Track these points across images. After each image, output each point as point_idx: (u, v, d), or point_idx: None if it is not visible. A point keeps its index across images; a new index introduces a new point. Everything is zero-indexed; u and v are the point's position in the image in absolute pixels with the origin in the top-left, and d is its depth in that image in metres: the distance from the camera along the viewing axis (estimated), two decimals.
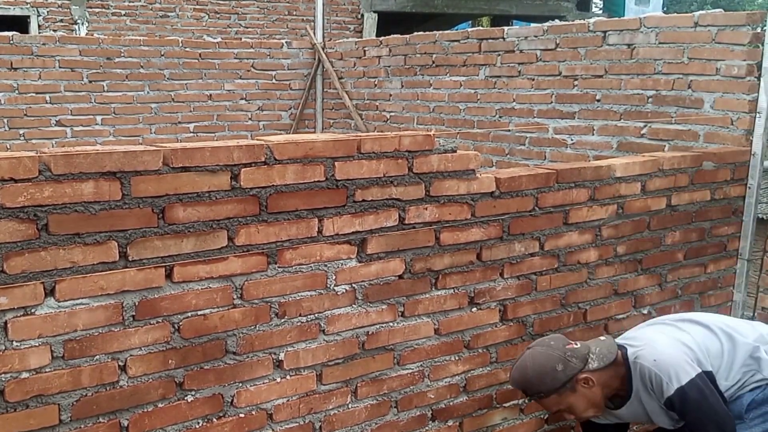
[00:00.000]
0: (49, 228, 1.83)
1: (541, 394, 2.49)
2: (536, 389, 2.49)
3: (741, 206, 3.56)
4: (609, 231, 3.05)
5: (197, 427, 2.15)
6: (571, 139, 4.57)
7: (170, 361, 2.07)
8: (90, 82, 6.04)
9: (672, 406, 2.43)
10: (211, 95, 6.54)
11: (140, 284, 1.98)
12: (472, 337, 2.73)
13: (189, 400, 2.12)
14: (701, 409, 2.40)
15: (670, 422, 2.54)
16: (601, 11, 17.28)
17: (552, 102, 4.69)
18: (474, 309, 2.71)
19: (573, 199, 2.90)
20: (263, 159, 2.13)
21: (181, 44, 6.44)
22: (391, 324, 2.51)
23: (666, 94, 3.97)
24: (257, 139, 2.21)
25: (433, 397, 2.67)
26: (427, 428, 2.69)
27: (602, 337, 2.69)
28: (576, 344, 2.54)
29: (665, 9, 19.24)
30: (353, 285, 2.40)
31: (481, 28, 12.91)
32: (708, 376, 2.45)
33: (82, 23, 9.79)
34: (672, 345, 2.51)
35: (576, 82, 4.51)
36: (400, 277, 2.50)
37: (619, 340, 2.66)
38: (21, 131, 5.86)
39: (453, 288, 2.64)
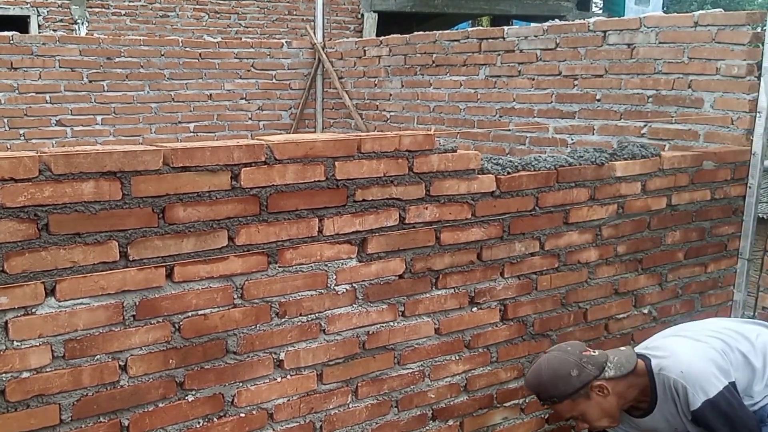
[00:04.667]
0: (50, 228, 1.83)
1: (555, 399, 2.47)
2: (550, 393, 2.47)
3: (741, 206, 3.56)
4: (609, 231, 3.05)
5: (198, 426, 2.15)
6: (572, 139, 4.57)
7: (171, 361, 2.07)
8: (90, 81, 6.03)
9: (699, 419, 2.37)
10: (211, 95, 6.54)
11: (141, 284, 1.98)
12: (473, 337, 2.73)
13: (189, 400, 2.12)
14: (731, 423, 2.34)
15: None
16: (601, 11, 17.28)
17: (552, 102, 4.69)
18: (474, 309, 2.71)
19: (573, 198, 2.90)
20: (263, 159, 2.13)
21: (181, 44, 6.44)
22: (391, 324, 2.51)
23: (666, 94, 3.97)
24: (257, 139, 2.21)
25: (433, 396, 2.67)
26: (427, 428, 2.69)
27: (622, 348, 2.64)
28: (594, 352, 2.51)
29: (665, 9, 19.23)
30: (353, 285, 2.40)
31: (481, 27, 12.92)
32: (733, 387, 2.39)
33: (82, 23, 9.78)
34: (698, 356, 2.44)
35: (576, 82, 4.51)
36: (401, 276, 2.50)
37: (639, 349, 2.61)
38: (21, 131, 5.86)
39: (453, 288, 2.64)
